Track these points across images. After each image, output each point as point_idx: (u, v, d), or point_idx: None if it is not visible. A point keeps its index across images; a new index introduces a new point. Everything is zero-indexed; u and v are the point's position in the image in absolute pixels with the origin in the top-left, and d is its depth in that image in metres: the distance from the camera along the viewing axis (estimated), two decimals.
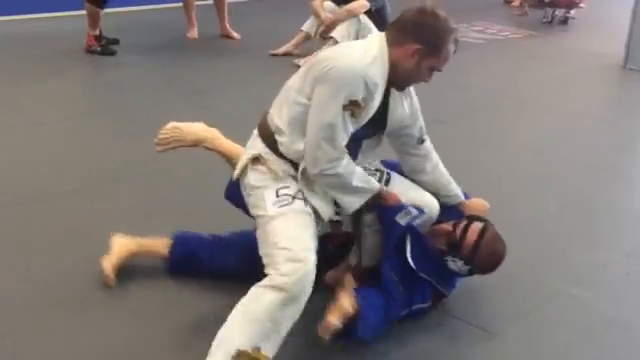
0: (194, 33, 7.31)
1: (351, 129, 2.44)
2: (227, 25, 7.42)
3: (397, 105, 2.64)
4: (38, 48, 6.63)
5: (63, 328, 2.61)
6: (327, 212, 2.54)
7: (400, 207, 2.63)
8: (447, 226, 2.78)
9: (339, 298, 2.49)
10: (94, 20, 6.31)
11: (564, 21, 9.41)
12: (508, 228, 2.96)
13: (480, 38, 8.20)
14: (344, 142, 2.44)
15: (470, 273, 2.77)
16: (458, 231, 2.72)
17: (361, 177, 2.54)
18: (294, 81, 2.55)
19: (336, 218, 2.62)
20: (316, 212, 2.51)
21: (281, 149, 2.52)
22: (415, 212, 2.62)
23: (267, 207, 2.45)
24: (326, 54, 2.54)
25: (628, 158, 5.01)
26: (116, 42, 6.66)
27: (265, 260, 2.37)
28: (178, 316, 2.70)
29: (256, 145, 2.60)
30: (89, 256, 2.99)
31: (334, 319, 2.41)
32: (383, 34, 2.53)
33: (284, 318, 2.28)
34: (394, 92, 2.60)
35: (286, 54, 6.79)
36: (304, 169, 2.50)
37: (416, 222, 2.68)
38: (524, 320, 2.85)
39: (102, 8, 6.27)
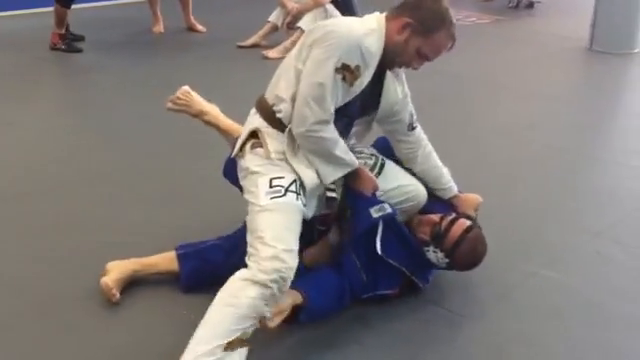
0: (160, 27, 7.26)
1: (341, 95, 2.45)
2: (192, 18, 7.39)
3: (390, 87, 2.68)
4: (2, 47, 6.55)
5: (38, 334, 2.56)
6: (309, 177, 2.50)
7: (375, 200, 2.64)
8: (435, 217, 2.80)
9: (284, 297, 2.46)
10: (60, 19, 6.26)
11: (530, 5, 9.49)
12: (481, 212, 2.98)
13: None
14: (332, 106, 2.44)
15: (447, 267, 2.79)
16: (444, 223, 2.74)
17: (343, 149, 2.55)
18: (292, 53, 2.57)
19: (330, 194, 2.60)
20: (301, 181, 2.48)
21: (280, 116, 2.51)
22: (389, 210, 2.62)
23: (259, 196, 2.43)
24: (325, 22, 2.60)
25: (596, 139, 5.05)
26: (82, 39, 6.60)
27: (249, 249, 2.37)
28: (165, 323, 2.65)
29: (254, 121, 2.60)
30: (66, 257, 2.99)
31: (272, 323, 2.41)
32: (383, 13, 2.57)
33: (266, 309, 2.31)
34: (388, 75, 2.66)
35: (254, 45, 6.78)
36: (290, 130, 2.49)
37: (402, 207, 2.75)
38: (498, 303, 2.87)
39: (69, 7, 6.23)
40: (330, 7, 6.55)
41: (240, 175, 2.60)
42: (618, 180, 4.23)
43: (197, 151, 4.15)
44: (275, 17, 6.80)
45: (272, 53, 6.48)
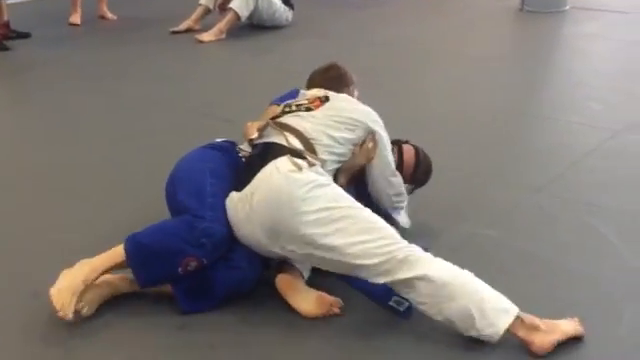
0: (77, 18, 7.06)
1: None
2: (104, 6, 7.28)
3: None
4: None
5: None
6: None
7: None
8: None
9: None
10: None
11: None
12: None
13: None
14: None
15: (410, 192, 3.11)
16: (395, 156, 2.99)
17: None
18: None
19: None
20: None
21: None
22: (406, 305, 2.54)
23: (351, 199, 2.57)
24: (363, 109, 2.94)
25: (531, 97, 5.13)
26: (27, 36, 6.50)
27: (382, 242, 2.44)
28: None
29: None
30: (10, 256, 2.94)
31: None
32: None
33: None
34: None
35: (188, 30, 6.70)
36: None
37: None
38: None
39: None
40: None
41: (302, 189, 2.47)
42: (554, 136, 4.33)
43: (139, 141, 4.13)
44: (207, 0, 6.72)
45: (206, 36, 6.42)
